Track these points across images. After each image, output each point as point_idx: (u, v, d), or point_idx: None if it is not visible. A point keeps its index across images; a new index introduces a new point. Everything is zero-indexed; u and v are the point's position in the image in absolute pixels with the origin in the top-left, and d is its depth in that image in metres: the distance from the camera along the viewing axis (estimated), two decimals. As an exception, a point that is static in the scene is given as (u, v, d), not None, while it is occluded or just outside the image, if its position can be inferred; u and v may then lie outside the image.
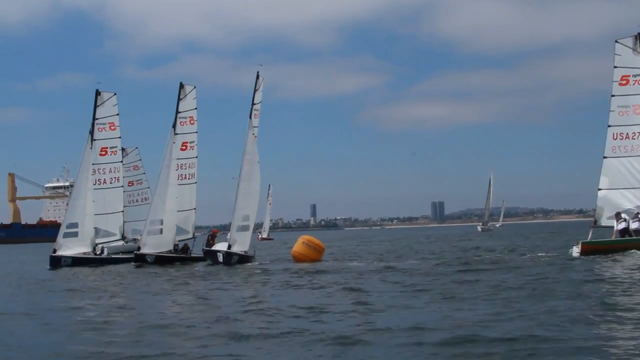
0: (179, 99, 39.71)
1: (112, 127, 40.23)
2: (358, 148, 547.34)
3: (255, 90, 37.47)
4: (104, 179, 40.12)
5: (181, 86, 39.98)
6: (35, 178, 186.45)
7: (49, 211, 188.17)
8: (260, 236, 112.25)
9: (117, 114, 40.42)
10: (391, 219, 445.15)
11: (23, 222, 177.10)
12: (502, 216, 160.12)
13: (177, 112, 39.60)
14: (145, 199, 51.08)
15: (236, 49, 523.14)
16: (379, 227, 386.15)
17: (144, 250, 37.57)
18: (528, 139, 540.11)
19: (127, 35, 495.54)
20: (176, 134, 39.28)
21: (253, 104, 37.26)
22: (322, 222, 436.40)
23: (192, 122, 39.89)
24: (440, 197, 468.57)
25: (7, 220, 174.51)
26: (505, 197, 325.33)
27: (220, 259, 35.28)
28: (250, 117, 36.97)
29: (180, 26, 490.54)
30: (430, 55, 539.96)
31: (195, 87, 40.18)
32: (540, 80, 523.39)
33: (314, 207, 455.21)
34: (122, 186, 41.74)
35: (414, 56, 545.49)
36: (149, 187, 51.52)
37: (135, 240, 43.97)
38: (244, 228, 36.33)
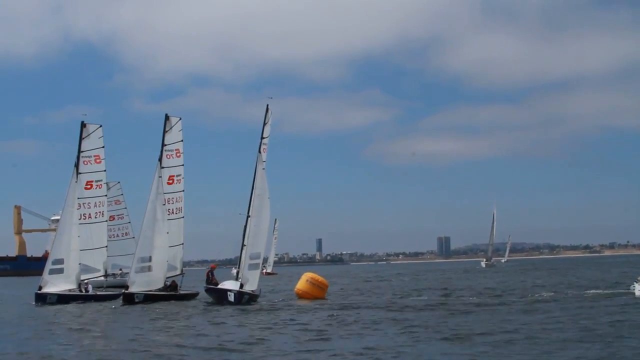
0: (164, 132, 38.52)
1: (98, 160, 39.27)
2: (365, 182, 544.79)
3: (264, 124, 36.56)
4: (89, 214, 39.00)
5: (167, 118, 38.85)
6: (41, 210, 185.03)
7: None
8: (264, 271, 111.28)
9: (103, 147, 39.49)
10: (397, 254, 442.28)
11: (28, 255, 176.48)
12: (507, 251, 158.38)
13: (163, 144, 38.41)
14: (126, 233, 50.22)
15: (245, 82, 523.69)
16: (384, 262, 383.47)
17: (132, 289, 35.97)
18: (536, 174, 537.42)
19: (136, 68, 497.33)
20: (162, 167, 38.03)
21: (262, 137, 36.37)
22: (328, 257, 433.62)
23: (178, 154, 38.70)
24: (446, 232, 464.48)
25: (13, 252, 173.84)
26: (512, 232, 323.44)
27: (232, 298, 33.76)
28: (260, 151, 36.05)
29: (189, 60, 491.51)
30: (438, 90, 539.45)
31: (180, 119, 39.05)
32: (549, 115, 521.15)
33: (319, 242, 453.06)
34: (107, 221, 40.49)
35: (422, 91, 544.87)
36: (129, 222, 50.89)
37: (114, 275, 42.64)
38: (255, 266, 35.21)
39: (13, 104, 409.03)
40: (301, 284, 37.65)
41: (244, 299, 33.80)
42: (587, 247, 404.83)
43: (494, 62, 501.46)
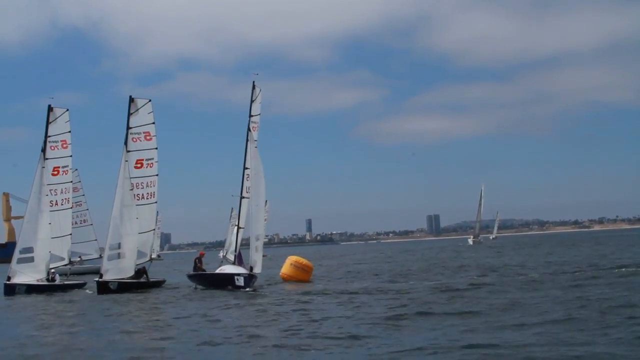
0: (129, 114, 36.53)
1: (64, 145, 37.64)
2: (354, 162, 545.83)
3: (252, 102, 35.46)
4: (56, 200, 37.53)
5: (131, 100, 36.79)
6: (25, 196, 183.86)
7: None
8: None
9: (69, 131, 37.84)
10: (387, 233, 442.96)
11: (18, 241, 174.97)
12: (496, 228, 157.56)
13: (128, 127, 36.41)
14: (85, 220, 49.36)
15: (232, 65, 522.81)
16: (375, 241, 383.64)
17: (106, 277, 34.59)
18: (524, 151, 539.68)
19: (123, 53, 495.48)
20: (129, 151, 36.15)
21: (250, 115, 35.27)
22: (318, 237, 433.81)
23: (148, 137, 36.82)
24: (435, 211, 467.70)
25: (2, 239, 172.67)
26: (501, 209, 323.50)
27: (241, 282, 32.25)
28: (249, 130, 34.90)
29: (176, 43, 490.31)
30: (425, 69, 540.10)
31: (150, 101, 37.10)
32: (536, 92, 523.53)
33: (309, 222, 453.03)
34: (72, 207, 39.15)
35: (410, 70, 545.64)
36: (87, 209, 50.21)
37: (72, 263, 41.20)
38: (259, 248, 33.86)
39: (1, 91, 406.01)
40: (285, 268, 37.62)
41: (253, 282, 32.70)
42: (576, 223, 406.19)
43: (481, 40, 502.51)
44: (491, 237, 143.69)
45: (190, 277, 35.92)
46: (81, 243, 38.46)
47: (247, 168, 35.01)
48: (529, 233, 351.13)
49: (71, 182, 38.62)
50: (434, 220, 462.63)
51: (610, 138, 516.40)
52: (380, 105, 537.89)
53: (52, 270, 36.85)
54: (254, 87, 35.69)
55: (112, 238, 35.22)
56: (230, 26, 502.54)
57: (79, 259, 41.39)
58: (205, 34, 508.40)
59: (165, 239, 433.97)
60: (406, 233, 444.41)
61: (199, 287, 34.25)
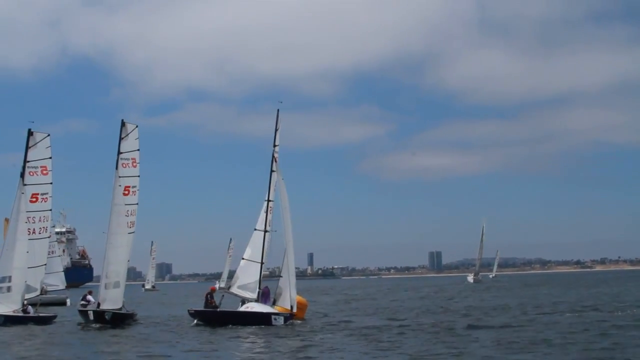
0: (120, 139, 35.82)
1: (44, 172, 36.31)
2: (358, 197, 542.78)
3: (276, 130, 35.13)
4: (34, 229, 36.12)
5: (122, 124, 36.07)
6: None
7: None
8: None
9: (50, 157, 36.58)
10: (389, 269, 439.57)
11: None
12: (495, 266, 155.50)
13: (119, 152, 35.62)
14: (53, 252, 47.58)
15: (241, 97, 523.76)
16: (376, 277, 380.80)
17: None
18: (528, 189, 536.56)
19: (132, 82, 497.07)
20: (120, 176, 35.24)
21: (275, 145, 35.00)
22: (320, 271, 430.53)
23: (134, 164, 35.99)
24: (438, 247, 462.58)
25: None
26: (504, 247, 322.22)
27: (280, 322, 31.60)
28: (274, 160, 34.75)
29: (185, 74, 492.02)
30: (433, 105, 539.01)
31: (137, 127, 36.35)
32: (543, 131, 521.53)
33: (311, 256, 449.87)
34: (49, 237, 37.69)
35: (418, 106, 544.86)
36: (56, 241, 48.72)
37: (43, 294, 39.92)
38: (294, 285, 33.41)
39: (10, 117, 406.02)
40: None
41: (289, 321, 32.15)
42: (578, 263, 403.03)
43: (488, 78, 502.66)
44: (491, 276, 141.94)
45: (200, 313, 34.04)
46: (48, 274, 37.18)
47: (270, 200, 34.38)
48: (531, 272, 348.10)
49: (50, 210, 37.10)
50: (435, 256, 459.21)
51: (614, 178, 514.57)
52: (387, 141, 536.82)
53: (26, 302, 35.53)
54: (278, 116, 35.28)
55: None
56: (238, 58, 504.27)
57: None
58: (213, 65, 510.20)
59: (166, 269, 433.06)
60: (407, 269, 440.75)
61: (200, 323, 32.95)
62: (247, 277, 34.44)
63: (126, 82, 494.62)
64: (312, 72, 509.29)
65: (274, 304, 33.59)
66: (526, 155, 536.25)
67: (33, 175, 36.16)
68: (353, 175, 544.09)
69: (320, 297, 68.52)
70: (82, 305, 35.56)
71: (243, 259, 35.22)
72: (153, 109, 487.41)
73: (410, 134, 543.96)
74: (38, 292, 36.33)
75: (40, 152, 36.47)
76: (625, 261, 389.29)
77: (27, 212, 35.86)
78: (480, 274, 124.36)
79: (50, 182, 36.60)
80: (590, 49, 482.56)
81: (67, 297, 53.41)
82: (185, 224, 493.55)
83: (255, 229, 34.69)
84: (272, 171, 34.73)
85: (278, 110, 35.41)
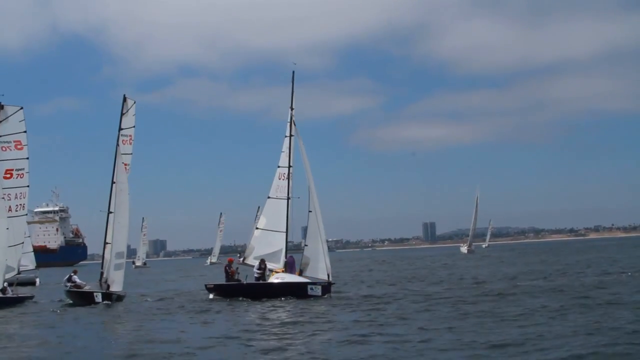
0: (121, 114, 34.69)
1: (19, 146, 34.58)
2: (351, 169, 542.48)
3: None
4: (9, 206, 34.42)
5: (124, 99, 34.79)
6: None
7: (38, 236, 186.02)
8: (241, 260, 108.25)
9: (25, 131, 34.84)
10: (382, 240, 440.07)
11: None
12: (488, 236, 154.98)
13: (120, 128, 34.54)
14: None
15: (232, 72, 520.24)
16: (370, 249, 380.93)
17: None
18: (521, 158, 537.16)
19: (124, 59, 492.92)
20: (122, 154, 34.07)
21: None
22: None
23: (130, 141, 34.83)
24: (431, 218, 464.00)
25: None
26: (497, 217, 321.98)
27: (317, 291, 30.05)
28: (292, 124, 33.49)
29: (177, 50, 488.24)
30: (424, 76, 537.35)
31: (135, 103, 35.01)
32: (534, 100, 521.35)
33: (305, 229, 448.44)
34: (27, 214, 35.99)
35: (409, 78, 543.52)
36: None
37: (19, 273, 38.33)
38: (326, 253, 31.93)
39: (3, 97, 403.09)
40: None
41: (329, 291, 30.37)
42: (572, 231, 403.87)
43: (479, 48, 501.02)
44: (483, 246, 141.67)
45: (222, 287, 32.55)
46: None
47: (290, 166, 33.18)
48: (524, 241, 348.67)
49: (27, 186, 35.31)
50: (429, 227, 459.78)
51: (607, 146, 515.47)
52: (379, 112, 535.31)
53: (5, 283, 34.09)
54: (293, 78, 34.48)
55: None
56: (228, 33, 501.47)
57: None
58: (204, 41, 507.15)
59: (160, 245, 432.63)
60: (402, 241, 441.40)
61: (217, 297, 31.51)
62: (266, 247, 32.92)
63: (117, 59, 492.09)
64: (302, 46, 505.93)
65: (300, 275, 31.87)
66: (518, 124, 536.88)
67: (6, 150, 34.49)
68: (345, 147, 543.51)
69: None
70: (69, 286, 33.56)
71: (257, 228, 33.83)
72: (145, 85, 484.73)
73: (402, 105, 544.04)
74: (16, 272, 34.83)
75: (12, 126, 34.71)
76: (619, 228, 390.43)
77: (3, 188, 34.30)
78: (474, 244, 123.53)
79: (27, 157, 34.95)
80: (581, 18, 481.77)
81: (36, 277, 52.07)
82: (178, 200, 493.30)
83: (269, 197, 33.32)
84: (290, 135, 33.36)
85: (293, 72, 34.43)
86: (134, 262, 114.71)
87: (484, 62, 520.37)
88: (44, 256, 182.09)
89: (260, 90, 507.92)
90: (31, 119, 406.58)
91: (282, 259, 32.58)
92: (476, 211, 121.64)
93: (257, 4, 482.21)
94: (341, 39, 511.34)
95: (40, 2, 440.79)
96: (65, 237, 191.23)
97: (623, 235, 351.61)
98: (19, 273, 35.22)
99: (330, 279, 31.00)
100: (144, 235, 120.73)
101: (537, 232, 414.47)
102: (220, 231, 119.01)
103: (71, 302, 32.83)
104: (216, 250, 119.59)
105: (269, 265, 32.29)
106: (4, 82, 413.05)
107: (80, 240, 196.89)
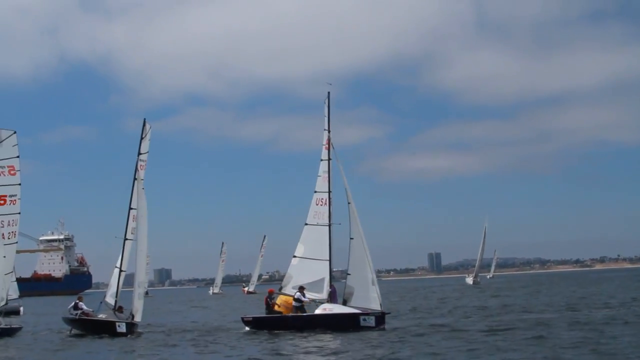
0: (141, 138, 34.10)
1: (12, 172, 33.87)
2: (356, 199, 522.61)
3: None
4: (2, 234, 33.62)
5: (144, 123, 34.14)
6: (30, 231, 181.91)
7: (43, 264, 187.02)
8: (246, 289, 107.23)
9: (18, 156, 34.13)
10: (388, 270, 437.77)
11: (17, 276, 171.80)
12: (493, 267, 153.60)
13: (139, 153, 34.03)
14: None
15: (238, 101, 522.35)
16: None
17: None
18: (526, 189, 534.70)
19: (131, 88, 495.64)
20: (141, 179, 33.46)
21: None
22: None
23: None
24: (437, 249, 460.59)
25: None
26: (503, 247, 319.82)
27: (370, 323, 28.18)
28: (330, 147, 32.19)
29: (183, 79, 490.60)
30: (430, 106, 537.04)
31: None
32: (540, 130, 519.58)
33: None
34: (17, 242, 34.99)
35: (415, 108, 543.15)
36: None
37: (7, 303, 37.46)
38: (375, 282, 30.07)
39: (8, 125, 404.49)
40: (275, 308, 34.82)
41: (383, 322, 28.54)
42: (577, 262, 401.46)
43: (485, 78, 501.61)
44: (488, 277, 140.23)
45: (264, 320, 30.71)
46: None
47: (330, 191, 31.98)
48: (530, 272, 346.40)
49: (19, 213, 34.41)
50: (435, 258, 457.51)
51: (613, 177, 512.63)
52: (385, 142, 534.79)
53: None
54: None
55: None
56: (235, 62, 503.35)
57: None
58: (211, 70, 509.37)
59: (166, 274, 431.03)
60: (407, 271, 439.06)
61: (252, 329, 29.87)
62: (305, 276, 31.25)
63: (125, 88, 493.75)
64: (308, 75, 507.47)
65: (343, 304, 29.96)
66: (524, 155, 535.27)
67: (0, 175, 34.01)
68: (351, 177, 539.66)
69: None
70: (77, 314, 32.40)
71: (295, 256, 32.16)
72: (151, 114, 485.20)
73: (409, 135, 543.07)
74: (5, 302, 33.91)
75: (6, 150, 34.03)
76: (625, 259, 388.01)
77: (-2, 215, 33.75)
78: (479, 274, 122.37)
79: (19, 183, 34.15)
80: (586, 48, 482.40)
81: (20, 306, 51.11)
82: (184, 229, 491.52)
83: (307, 224, 31.99)
84: (329, 159, 31.89)
85: (329, 92, 33.05)
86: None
87: (490, 92, 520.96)
88: (48, 284, 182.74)
89: (266, 120, 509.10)
90: (39, 147, 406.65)
91: (326, 288, 30.87)
92: (484, 242, 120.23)
93: (263, 33, 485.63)
94: (347, 69, 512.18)
95: (48, 31, 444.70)
96: (70, 266, 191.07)
97: (629, 266, 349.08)
98: (6, 303, 34.29)
99: (383, 309, 29.14)
100: (147, 264, 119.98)
101: (543, 262, 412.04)
102: (223, 261, 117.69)
103: (78, 332, 31.77)
104: (218, 281, 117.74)
105: (310, 295, 30.76)
106: (12, 110, 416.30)
107: (85, 269, 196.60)
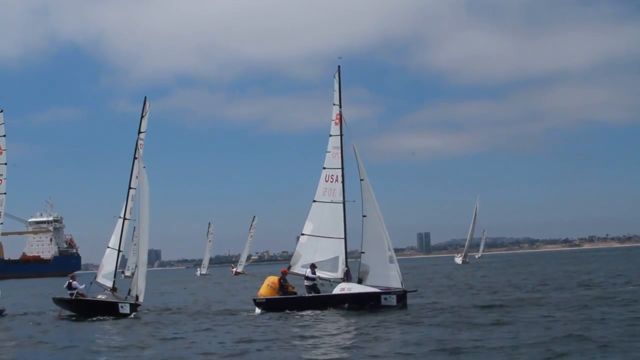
0: (141, 117, 33.02)
1: (-1, 151, 33.32)
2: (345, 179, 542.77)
3: (340, 88, 32.56)
4: None
5: (145, 101, 33.21)
6: (19, 213, 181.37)
7: (32, 246, 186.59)
8: (234, 270, 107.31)
9: (4, 135, 33.38)
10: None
11: (6, 258, 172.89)
12: (482, 247, 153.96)
13: (139, 132, 32.96)
14: None
15: (229, 82, 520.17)
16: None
17: None
18: (516, 168, 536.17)
19: (121, 69, 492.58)
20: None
21: (340, 105, 32.03)
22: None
23: (142, 146, 32.68)
24: (426, 228, 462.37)
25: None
26: (492, 227, 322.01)
27: (392, 301, 27.51)
28: (342, 122, 31.37)
29: (173, 60, 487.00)
30: (420, 86, 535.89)
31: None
32: (531, 110, 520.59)
33: (298, 239, 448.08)
34: (2, 223, 34.14)
35: (405, 88, 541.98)
36: None
37: None
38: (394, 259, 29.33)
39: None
40: (263, 289, 33.59)
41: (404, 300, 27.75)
42: (566, 241, 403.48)
43: (476, 58, 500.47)
44: (477, 256, 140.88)
45: (279, 301, 29.23)
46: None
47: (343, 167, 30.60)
48: (518, 252, 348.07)
49: (4, 194, 33.58)
50: (424, 238, 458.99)
51: (602, 156, 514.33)
52: (375, 123, 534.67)
53: None
54: (339, 73, 32.50)
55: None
56: (226, 43, 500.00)
57: None
58: (201, 51, 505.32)
59: (155, 255, 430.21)
60: (396, 250, 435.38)
61: (263, 311, 28.68)
62: (315, 254, 30.13)
63: (115, 70, 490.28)
64: (299, 56, 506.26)
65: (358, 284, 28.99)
66: (514, 134, 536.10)
67: (-18, 155, 33.04)
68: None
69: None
70: (73, 294, 31.51)
71: (303, 234, 31.02)
72: (142, 96, 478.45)
73: (398, 115, 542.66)
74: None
75: (-8, 128, 33.14)
76: (613, 239, 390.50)
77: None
78: (468, 255, 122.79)
79: (5, 162, 33.55)
80: (577, 28, 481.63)
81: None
82: (174, 210, 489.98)
83: (315, 201, 30.74)
84: (340, 134, 31.01)
85: (339, 66, 32.22)
86: (123, 272, 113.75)
87: (480, 72, 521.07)
88: (37, 266, 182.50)
89: (256, 100, 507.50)
90: (28, 129, 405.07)
91: (341, 267, 29.74)
92: (474, 222, 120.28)
93: (253, 14, 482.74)
94: (338, 49, 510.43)
95: (38, 12, 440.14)
96: (59, 247, 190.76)
97: (618, 245, 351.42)
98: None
99: (404, 287, 28.47)
100: (134, 244, 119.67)
101: (532, 242, 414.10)
102: (210, 241, 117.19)
103: (74, 313, 30.98)
104: (206, 261, 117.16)
105: (323, 274, 29.75)
106: (1, 91, 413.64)
107: (74, 251, 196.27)
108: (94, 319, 29.10)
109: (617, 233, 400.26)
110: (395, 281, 28.39)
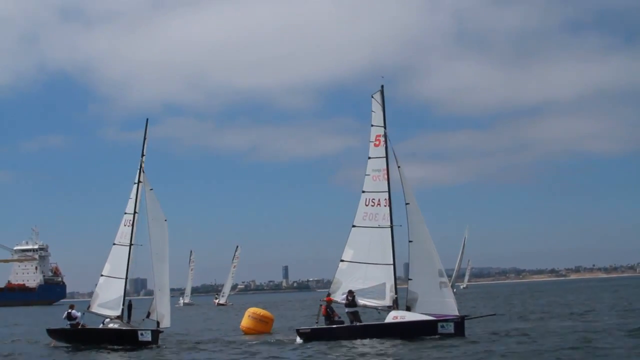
0: (144, 139, 32.56)
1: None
2: (333, 209, 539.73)
3: (383, 110, 31.22)
4: None
5: (147, 123, 32.71)
6: (6, 241, 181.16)
7: (17, 274, 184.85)
8: (217, 301, 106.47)
9: None
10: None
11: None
12: (467, 277, 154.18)
13: (143, 154, 32.69)
14: None
15: (217, 111, 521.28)
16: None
17: None
18: (503, 199, 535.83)
19: (110, 97, 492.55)
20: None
21: (384, 127, 30.91)
22: (295, 284, 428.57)
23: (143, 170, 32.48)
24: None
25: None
26: (478, 258, 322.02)
27: (449, 329, 26.15)
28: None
29: (162, 89, 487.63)
30: (408, 117, 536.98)
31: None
32: (518, 141, 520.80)
33: (286, 269, 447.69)
34: None
35: (393, 118, 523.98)
36: None
37: None
38: (448, 284, 28.61)
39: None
40: (244, 321, 35.43)
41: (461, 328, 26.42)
42: (553, 271, 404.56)
43: (463, 89, 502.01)
44: (462, 287, 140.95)
45: (326, 331, 27.66)
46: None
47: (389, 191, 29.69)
48: (505, 282, 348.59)
49: None
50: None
51: (589, 187, 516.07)
52: (363, 152, 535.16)
53: None
54: (382, 94, 31.24)
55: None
56: (215, 72, 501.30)
57: None
58: (190, 80, 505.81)
59: (141, 284, 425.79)
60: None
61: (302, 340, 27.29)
62: (357, 282, 28.85)
63: (104, 98, 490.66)
64: (287, 85, 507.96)
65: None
66: (501, 165, 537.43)
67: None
68: (329, 187, 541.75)
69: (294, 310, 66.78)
70: (70, 324, 30.43)
71: (343, 260, 29.57)
72: (130, 124, 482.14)
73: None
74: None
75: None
76: (599, 269, 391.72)
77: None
78: (455, 285, 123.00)
79: None
80: (565, 59, 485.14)
81: None
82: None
83: (355, 226, 29.58)
84: (386, 156, 29.97)
85: (382, 86, 31.26)
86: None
87: (468, 103, 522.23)
88: (22, 295, 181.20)
89: (245, 130, 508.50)
90: (16, 156, 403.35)
91: (389, 294, 28.47)
92: (462, 252, 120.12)
93: (242, 43, 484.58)
94: (326, 79, 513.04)
95: (27, 40, 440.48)
96: (44, 276, 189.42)
97: (604, 275, 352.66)
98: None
99: (456, 313, 27.01)
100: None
101: (519, 272, 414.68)
102: (191, 270, 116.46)
103: (69, 345, 29.68)
104: (188, 290, 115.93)
105: (368, 302, 28.68)
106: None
107: (60, 279, 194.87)
108: (108, 350, 27.51)
109: (604, 263, 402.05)
110: (451, 308, 27.36)
